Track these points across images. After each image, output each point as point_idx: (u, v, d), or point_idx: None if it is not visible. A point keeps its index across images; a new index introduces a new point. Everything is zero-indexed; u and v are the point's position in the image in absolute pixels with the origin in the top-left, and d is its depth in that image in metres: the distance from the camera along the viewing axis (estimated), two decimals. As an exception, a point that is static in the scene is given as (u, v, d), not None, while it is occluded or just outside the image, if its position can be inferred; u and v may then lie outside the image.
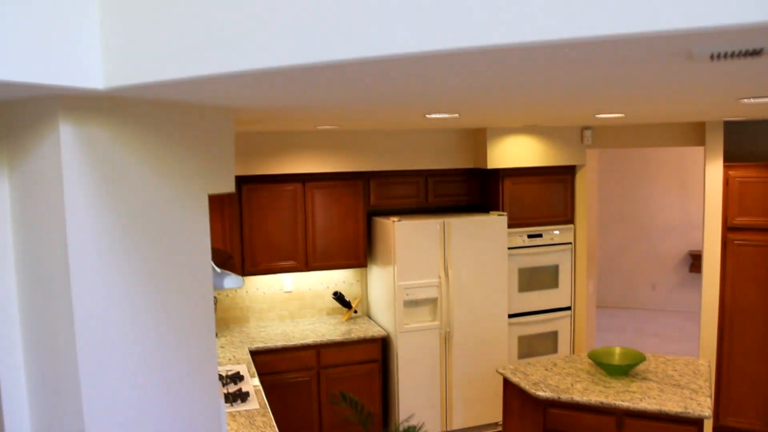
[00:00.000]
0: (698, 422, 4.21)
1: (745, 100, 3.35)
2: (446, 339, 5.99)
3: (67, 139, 2.29)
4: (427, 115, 4.01)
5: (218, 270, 4.17)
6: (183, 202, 2.78)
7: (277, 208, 5.97)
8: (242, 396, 4.44)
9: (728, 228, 5.92)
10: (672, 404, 4.25)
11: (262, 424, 4.00)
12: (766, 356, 5.90)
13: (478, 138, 6.35)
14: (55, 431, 2.42)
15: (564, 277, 6.61)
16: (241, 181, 5.88)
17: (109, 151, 2.44)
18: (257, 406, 4.32)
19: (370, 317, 6.52)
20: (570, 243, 6.60)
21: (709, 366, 4.98)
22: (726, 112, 4.51)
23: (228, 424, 4.01)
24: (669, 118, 5.34)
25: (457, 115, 4.03)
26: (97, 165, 2.39)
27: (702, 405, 4.23)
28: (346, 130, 5.99)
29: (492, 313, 6.13)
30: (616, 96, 2.92)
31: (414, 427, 2.32)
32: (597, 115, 4.58)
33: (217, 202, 5.70)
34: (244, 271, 5.94)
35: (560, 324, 6.63)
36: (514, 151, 6.25)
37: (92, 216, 2.38)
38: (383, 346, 6.06)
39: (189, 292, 2.81)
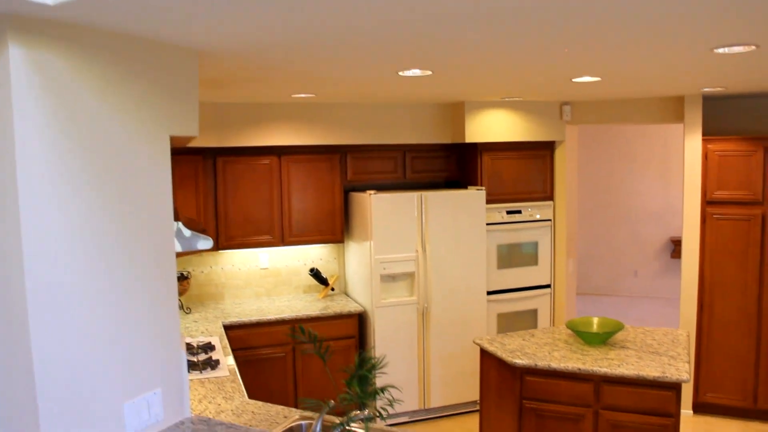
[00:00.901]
0: (676, 386, 4.15)
1: (719, 50, 3.30)
2: (424, 315, 5.91)
3: (17, 62, 2.20)
4: (399, 72, 3.93)
5: (188, 233, 4.09)
6: (143, 139, 2.70)
7: (252, 182, 5.88)
8: (212, 364, 4.35)
9: (707, 202, 5.89)
10: (650, 369, 4.19)
11: (231, 390, 3.92)
12: (745, 330, 5.87)
13: (456, 112, 6.29)
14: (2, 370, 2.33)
15: (543, 254, 6.56)
16: (215, 153, 5.79)
17: (65, 80, 2.35)
18: (227, 374, 4.23)
19: (347, 294, 6.43)
20: (549, 220, 6.55)
21: (688, 336, 4.93)
22: (702, 76, 4.47)
23: (196, 390, 3.91)
24: (647, 88, 5.30)
25: (430, 72, 3.95)
26: (51, 93, 2.31)
27: (680, 370, 4.18)
28: (323, 102, 5.92)
29: (470, 289, 6.06)
30: (586, 37, 2.85)
31: (373, 361, 2.25)
32: (573, 79, 4.52)
33: (191, 175, 5.61)
34: (219, 245, 5.84)
35: (540, 302, 6.57)
36: (492, 126, 6.20)
37: (44, 144, 2.29)
38: (360, 321, 5.98)
39: (147, 233, 2.72)
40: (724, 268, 5.89)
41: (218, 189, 5.80)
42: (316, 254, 6.45)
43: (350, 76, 4.09)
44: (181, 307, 5.85)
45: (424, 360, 5.95)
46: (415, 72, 3.95)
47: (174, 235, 2.88)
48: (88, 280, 2.45)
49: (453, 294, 5.99)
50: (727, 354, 5.94)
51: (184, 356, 2.96)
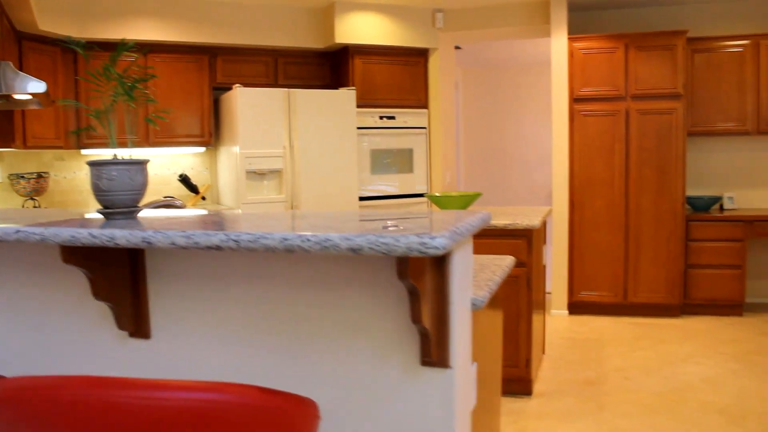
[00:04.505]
0: (527, 234, 4.13)
1: None
2: (294, 215, 5.78)
3: None
4: None
5: (17, 72, 3.90)
6: None
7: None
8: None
9: (574, 99, 5.98)
10: (501, 220, 4.18)
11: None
12: (615, 226, 5.95)
13: (328, 15, 6.24)
14: None
15: (419, 162, 6.53)
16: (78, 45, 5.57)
17: None
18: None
19: (219, 204, 6.27)
20: (424, 128, 6.53)
21: (551, 210, 4.95)
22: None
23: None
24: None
25: None
26: None
27: (531, 219, 4.17)
28: (188, -2, 5.80)
29: (342, 192, 5.97)
30: None
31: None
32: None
33: (48, 69, 5.38)
34: (80, 143, 5.62)
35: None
36: (363, 28, 6.17)
37: None
38: (229, 222, 5.81)
39: None
40: (592, 165, 5.98)
41: (79, 85, 5.58)
42: (187, 163, 6.27)
43: None
44: (38, 207, 5.58)
45: (296, 263, 5.81)
46: None
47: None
48: None
49: (324, 196, 5.89)
50: (599, 251, 6.01)
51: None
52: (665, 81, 5.77)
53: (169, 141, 5.87)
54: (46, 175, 5.56)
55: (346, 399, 1.95)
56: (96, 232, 1.82)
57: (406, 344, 1.88)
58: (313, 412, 1.54)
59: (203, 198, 6.22)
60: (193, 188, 6.04)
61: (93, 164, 2.11)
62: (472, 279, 2.18)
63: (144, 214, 2.29)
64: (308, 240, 1.56)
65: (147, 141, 5.79)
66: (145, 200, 6.16)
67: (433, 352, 1.82)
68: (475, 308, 2.08)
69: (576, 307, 6.12)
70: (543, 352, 5.08)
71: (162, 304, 2.16)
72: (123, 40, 2.13)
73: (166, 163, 6.17)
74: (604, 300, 6.02)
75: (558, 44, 5.97)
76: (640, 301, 5.94)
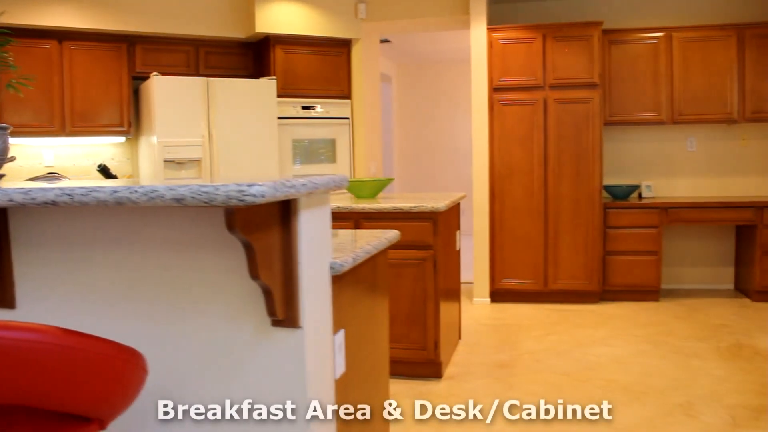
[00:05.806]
0: (433, 217, 4.16)
1: None
2: (214, 204, 5.74)
3: None
4: None
5: None
6: None
7: (29, 67, 5.55)
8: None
9: (494, 89, 6.05)
10: (407, 203, 4.21)
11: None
12: (535, 214, 6.05)
13: (248, 4, 6.21)
14: None
15: (342, 152, 6.54)
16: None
17: None
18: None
19: (140, 195, 6.20)
20: (347, 118, 6.54)
21: (465, 195, 4.99)
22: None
23: None
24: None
25: None
26: None
27: (438, 202, 4.20)
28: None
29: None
30: None
31: None
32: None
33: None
34: (-10, 132, 5.50)
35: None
36: (284, 18, 6.16)
37: None
38: (146, 212, 5.75)
39: None
40: (512, 154, 6.06)
41: (-8, 72, 5.47)
42: (108, 153, 6.18)
43: None
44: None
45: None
46: None
47: None
48: None
49: (246, 186, 5.86)
50: (519, 239, 6.09)
51: None
52: (582, 71, 5.88)
53: (87, 130, 5.79)
54: (-43, 165, 5.42)
55: (199, 361, 1.95)
56: (-67, 191, 1.79)
57: (258, 304, 1.88)
58: (136, 361, 1.53)
59: (123, 189, 6.13)
60: (111, 178, 5.95)
61: (-56, 129, 2.07)
62: (332, 243, 2.18)
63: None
64: (136, 191, 1.57)
65: (63, 130, 5.70)
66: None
67: (279, 310, 1.83)
68: (335, 272, 2.08)
69: (498, 295, 6.19)
70: (459, 338, 5.12)
71: (28, 273, 2.13)
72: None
73: (85, 154, 6.08)
74: (525, 287, 6.10)
75: (477, 34, 6.04)
76: (560, 288, 6.04)
